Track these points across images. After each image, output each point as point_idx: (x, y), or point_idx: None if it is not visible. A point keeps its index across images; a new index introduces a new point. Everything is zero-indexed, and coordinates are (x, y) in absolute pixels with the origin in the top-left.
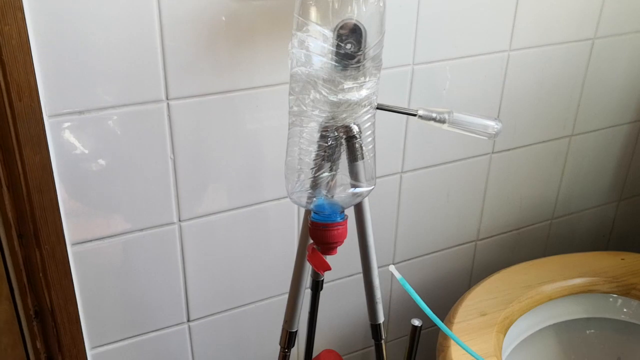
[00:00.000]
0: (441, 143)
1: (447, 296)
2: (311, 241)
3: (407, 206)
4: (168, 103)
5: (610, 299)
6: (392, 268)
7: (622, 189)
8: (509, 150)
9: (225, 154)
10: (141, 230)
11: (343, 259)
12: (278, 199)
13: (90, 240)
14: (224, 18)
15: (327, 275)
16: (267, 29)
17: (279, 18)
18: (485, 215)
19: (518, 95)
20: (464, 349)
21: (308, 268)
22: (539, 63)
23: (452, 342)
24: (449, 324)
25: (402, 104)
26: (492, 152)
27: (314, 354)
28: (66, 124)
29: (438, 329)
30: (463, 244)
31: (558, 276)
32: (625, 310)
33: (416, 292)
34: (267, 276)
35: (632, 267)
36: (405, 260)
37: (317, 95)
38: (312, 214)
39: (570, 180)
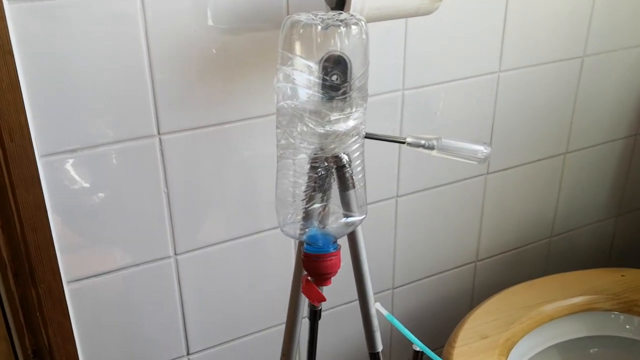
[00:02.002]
0: (435, 166)
1: (450, 319)
2: (305, 272)
3: (405, 230)
4: (160, 138)
5: (612, 316)
6: (377, 305)
7: (620, 204)
8: (504, 170)
9: (219, 185)
10: (137, 265)
11: (341, 286)
12: (275, 228)
13: (87, 277)
14: (214, 51)
15: (325, 303)
16: (257, 60)
17: (269, 49)
18: (483, 235)
19: (511, 115)
20: None
21: (304, 299)
22: (530, 83)
23: None
24: (450, 348)
25: (393, 129)
26: (487, 173)
27: None
28: (59, 163)
29: (440, 353)
30: (463, 265)
31: (558, 295)
32: (627, 327)
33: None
34: (266, 306)
35: (633, 284)
36: (405, 284)
37: (304, 128)
38: (305, 245)
39: (568, 198)
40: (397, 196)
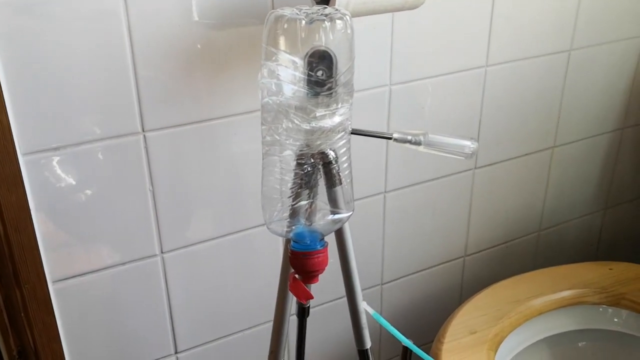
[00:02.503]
0: (423, 161)
1: (439, 314)
2: (292, 270)
3: (393, 225)
4: (144, 135)
5: (600, 310)
6: (364, 304)
7: (607, 197)
8: (492, 164)
9: (205, 182)
10: (123, 264)
11: (330, 283)
12: (262, 225)
13: (72, 277)
14: (199, 46)
15: (314, 300)
16: (243, 56)
17: (255, 44)
18: (472, 230)
19: (498, 110)
20: None
21: (291, 296)
22: (517, 77)
23: None
24: (439, 343)
25: (381, 125)
26: (475, 168)
27: None
28: (42, 161)
29: (429, 348)
30: (451, 260)
31: (547, 289)
32: (615, 320)
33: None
34: (255, 303)
35: (620, 277)
36: (394, 280)
37: (290, 124)
38: (292, 242)
39: (555, 191)
40: (385, 192)
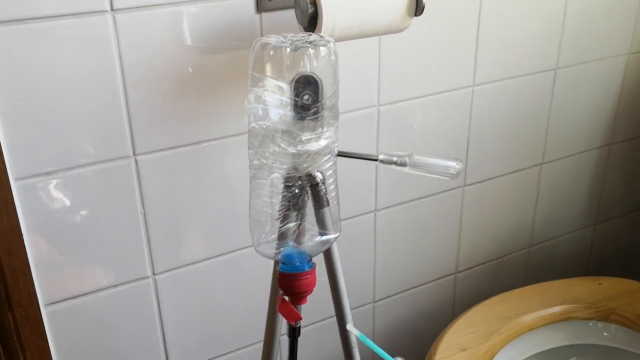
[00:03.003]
0: (412, 179)
1: (432, 331)
2: (281, 291)
3: (384, 244)
4: (135, 158)
5: (590, 325)
6: (349, 327)
7: (597, 212)
8: (481, 182)
9: (197, 204)
10: (115, 286)
11: (321, 302)
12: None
13: (65, 300)
14: (190, 70)
15: (305, 320)
16: (232, 79)
17: (244, 67)
18: (462, 247)
19: (486, 128)
20: None
21: (281, 317)
22: (504, 96)
23: None
24: None
25: (370, 144)
26: (465, 185)
27: None
28: (34, 186)
29: None
30: (443, 277)
31: (537, 305)
32: (605, 334)
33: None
34: (247, 323)
35: (610, 292)
36: (386, 298)
37: (277, 148)
38: (280, 264)
39: (545, 208)
40: (375, 210)
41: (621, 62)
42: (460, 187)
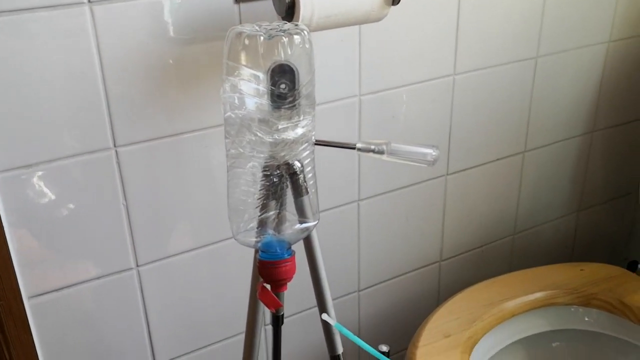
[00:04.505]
0: (395, 169)
1: (417, 319)
2: (261, 279)
3: (368, 233)
4: (116, 150)
5: (572, 310)
6: (324, 316)
7: (580, 199)
8: (464, 170)
9: (179, 195)
10: (99, 278)
11: (306, 290)
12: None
13: (48, 292)
14: (170, 61)
15: (290, 308)
16: (213, 70)
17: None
18: (446, 235)
19: (468, 117)
20: None
21: (263, 306)
22: (485, 85)
23: None
24: (414, 347)
25: (352, 135)
26: (447, 174)
27: None
28: (14, 179)
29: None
30: (427, 265)
31: (519, 292)
32: (586, 319)
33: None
34: (232, 313)
35: (591, 278)
36: (370, 286)
37: (253, 137)
38: (260, 252)
39: (528, 195)
40: (359, 200)
41: (602, 50)
42: (443, 175)
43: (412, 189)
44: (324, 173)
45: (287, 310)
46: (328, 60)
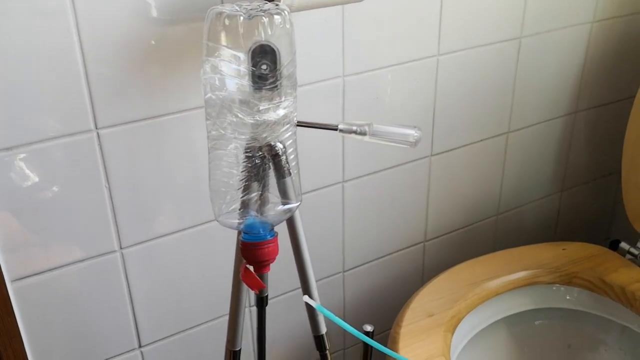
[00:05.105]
0: (379, 150)
1: (401, 299)
2: (244, 260)
3: (352, 214)
4: (97, 132)
5: (554, 289)
6: (305, 298)
7: (563, 180)
8: (448, 151)
9: (162, 177)
10: (82, 260)
11: (290, 271)
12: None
13: (31, 275)
14: (153, 42)
15: (275, 289)
16: (195, 51)
17: None
18: (430, 216)
19: (452, 97)
20: (392, 355)
21: (246, 287)
22: (469, 65)
23: (398, 346)
24: (397, 327)
25: (336, 116)
26: (431, 155)
27: None
28: None
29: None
30: (411, 245)
31: (502, 271)
32: (568, 298)
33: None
34: (217, 295)
35: (573, 257)
36: (355, 267)
37: (234, 119)
38: (242, 234)
39: (512, 176)
40: (343, 181)
41: (585, 30)
42: (427, 156)
43: (397, 170)
44: (308, 155)
45: (271, 291)
46: (312, 41)
